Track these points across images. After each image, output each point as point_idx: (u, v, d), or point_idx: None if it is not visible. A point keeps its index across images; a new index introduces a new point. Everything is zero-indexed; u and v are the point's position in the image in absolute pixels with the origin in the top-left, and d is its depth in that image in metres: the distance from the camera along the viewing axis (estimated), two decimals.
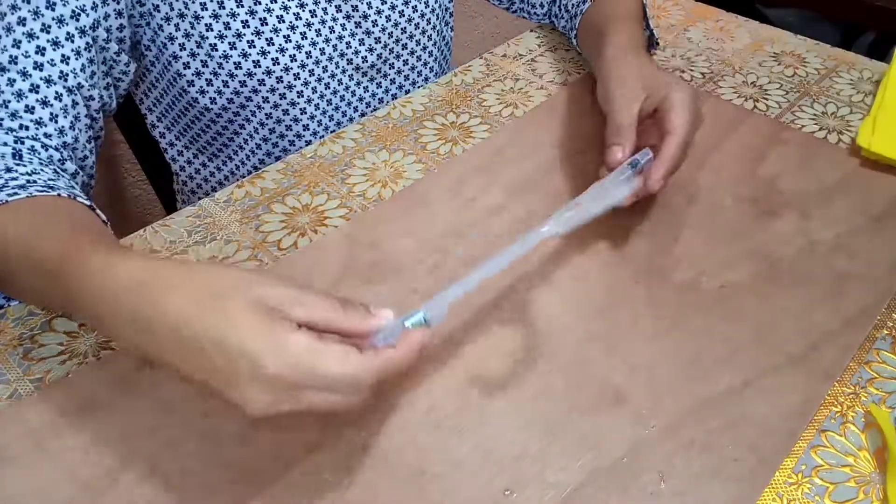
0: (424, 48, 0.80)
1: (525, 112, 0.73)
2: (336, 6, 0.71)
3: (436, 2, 0.78)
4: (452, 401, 0.48)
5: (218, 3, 0.65)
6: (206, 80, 0.70)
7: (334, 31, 0.72)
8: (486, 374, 0.49)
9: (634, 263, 0.57)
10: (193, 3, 0.65)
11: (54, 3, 0.57)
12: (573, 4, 0.79)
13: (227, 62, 0.68)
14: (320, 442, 0.45)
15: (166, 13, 0.65)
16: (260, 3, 0.66)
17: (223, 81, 0.69)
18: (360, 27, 0.73)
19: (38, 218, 0.49)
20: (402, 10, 0.75)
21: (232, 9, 0.66)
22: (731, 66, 0.81)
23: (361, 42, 0.74)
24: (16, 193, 0.49)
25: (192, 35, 0.66)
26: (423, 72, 0.82)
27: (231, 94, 0.70)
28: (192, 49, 0.67)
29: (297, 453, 0.44)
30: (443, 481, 0.43)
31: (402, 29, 0.76)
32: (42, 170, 0.53)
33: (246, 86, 0.69)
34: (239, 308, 0.37)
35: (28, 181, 0.51)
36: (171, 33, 0.66)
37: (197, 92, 0.71)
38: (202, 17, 0.65)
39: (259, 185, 0.64)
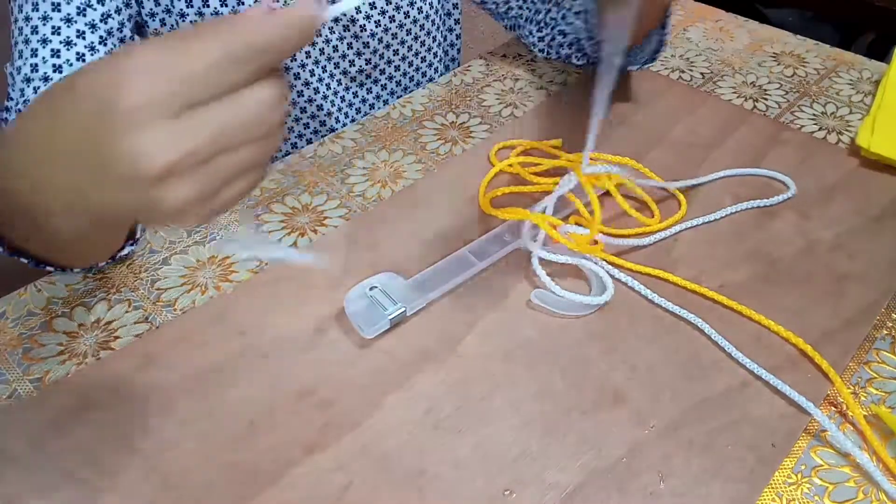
0: (417, 54, 0.79)
1: (525, 112, 0.73)
2: None
3: (431, 7, 0.77)
4: (452, 401, 0.48)
5: (202, 2, 0.65)
6: None
7: (321, 35, 0.71)
8: (485, 373, 0.49)
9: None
10: (179, 0, 0.65)
11: (59, 4, 0.58)
12: None
13: None
14: (320, 442, 0.45)
15: (150, 9, 0.65)
16: (243, 4, 0.66)
17: None
18: (349, 31, 0.73)
19: None
20: (393, 16, 0.74)
21: (216, 8, 0.65)
22: (731, 66, 0.81)
23: (350, 46, 0.73)
24: None
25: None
26: (415, 77, 0.81)
27: None
28: None
29: (296, 453, 0.44)
30: (443, 481, 0.43)
31: (392, 34, 0.75)
32: None
33: None
34: None
35: None
36: (155, 29, 0.66)
37: None
38: (187, 15, 0.65)
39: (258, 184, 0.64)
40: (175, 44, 0.30)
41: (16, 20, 0.58)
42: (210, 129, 0.30)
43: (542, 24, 0.79)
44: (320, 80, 0.73)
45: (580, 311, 0.53)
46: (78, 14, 0.58)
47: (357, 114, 0.78)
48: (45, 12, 0.58)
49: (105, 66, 0.30)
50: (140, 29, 0.67)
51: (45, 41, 0.57)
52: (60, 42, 0.58)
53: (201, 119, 0.29)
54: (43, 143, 0.33)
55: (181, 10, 0.65)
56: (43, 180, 0.34)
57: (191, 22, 0.66)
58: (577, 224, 0.58)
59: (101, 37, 0.60)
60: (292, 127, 0.74)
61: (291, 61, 0.70)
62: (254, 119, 0.31)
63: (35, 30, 0.57)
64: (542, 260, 0.55)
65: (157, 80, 0.29)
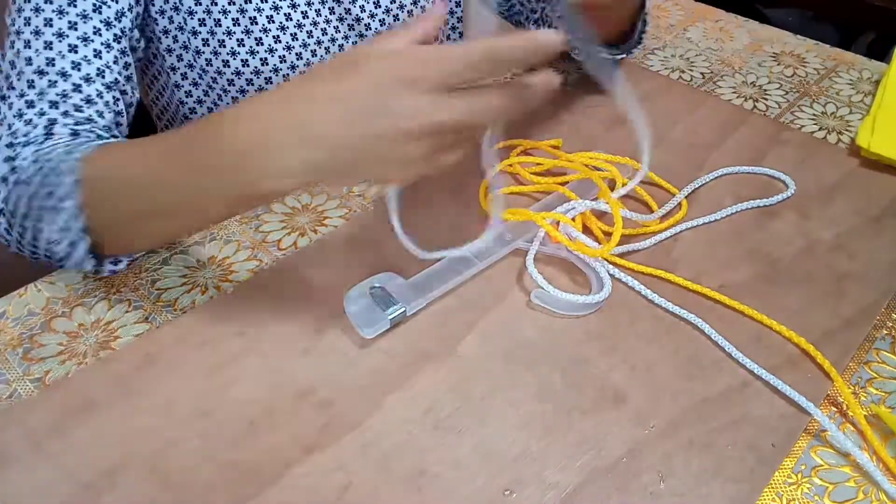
0: None
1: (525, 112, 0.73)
2: (329, 8, 0.70)
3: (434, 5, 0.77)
4: (452, 401, 0.48)
5: (211, 0, 0.65)
6: (193, 80, 0.69)
7: (327, 34, 0.71)
8: (485, 373, 0.49)
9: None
10: None
11: (75, 0, 0.57)
12: None
13: (216, 59, 0.68)
14: (320, 442, 0.45)
15: (161, 6, 0.65)
16: (251, 2, 0.66)
17: (212, 78, 0.69)
18: (353, 30, 0.73)
19: (128, 143, 0.54)
20: (397, 14, 0.74)
21: (224, 6, 0.65)
22: (731, 66, 0.81)
23: (354, 45, 0.74)
24: (100, 139, 0.54)
25: (185, 29, 0.66)
26: None
27: (220, 91, 0.70)
28: (183, 44, 0.67)
29: (296, 453, 0.44)
30: (443, 481, 0.43)
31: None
32: None
33: (234, 85, 0.69)
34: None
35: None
36: (165, 26, 0.66)
37: (184, 94, 0.71)
38: (195, 13, 0.65)
39: None
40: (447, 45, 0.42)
41: (20, 10, 0.57)
42: (455, 112, 0.41)
43: (539, 21, 0.79)
44: None
45: (580, 311, 0.53)
46: (94, 11, 0.58)
47: None
48: (61, 6, 0.57)
49: (390, 48, 0.42)
50: (142, 30, 0.67)
51: (61, 35, 0.57)
52: (78, 38, 0.57)
53: (451, 103, 0.41)
54: (315, 100, 0.42)
55: (189, 7, 0.65)
56: (293, 153, 0.42)
57: (199, 20, 0.66)
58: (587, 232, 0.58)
59: (115, 35, 0.59)
60: None
61: (297, 59, 0.70)
62: (478, 118, 0.42)
63: (49, 22, 0.57)
64: (539, 256, 0.55)
65: (431, 65, 0.41)
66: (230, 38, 0.67)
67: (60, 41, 0.57)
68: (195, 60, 0.68)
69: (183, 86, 0.70)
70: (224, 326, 0.52)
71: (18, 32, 0.57)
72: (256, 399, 0.47)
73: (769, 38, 0.86)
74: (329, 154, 0.42)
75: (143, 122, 0.85)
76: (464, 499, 0.43)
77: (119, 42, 0.60)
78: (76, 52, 0.57)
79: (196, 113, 0.72)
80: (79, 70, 0.57)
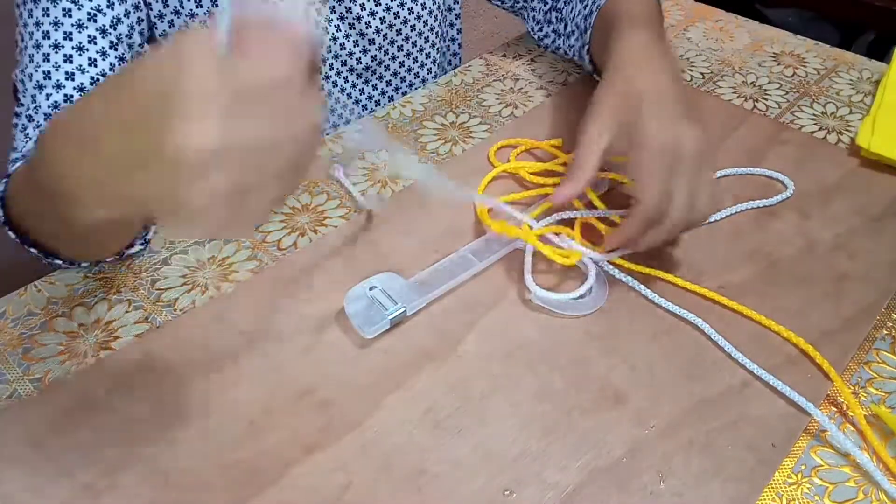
0: (422, 50, 0.79)
1: (525, 112, 0.73)
2: (330, 7, 0.71)
3: (433, 3, 0.77)
4: (452, 401, 0.48)
5: (212, 2, 0.65)
6: None
7: (328, 33, 0.71)
8: (485, 373, 0.49)
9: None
10: (189, 0, 0.65)
11: (69, 10, 0.57)
12: (582, 17, 0.71)
13: None
14: (320, 442, 0.45)
15: (159, 11, 0.65)
16: None
17: None
18: (354, 28, 0.73)
19: None
20: (397, 12, 0.74)
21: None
22: (731, 66, 0.81)
23: (356, 44, 0.74)
24: None
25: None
26: (420, 73, 0.81)
27: None
28: None
29: (296, 453, 0.44)
30: (442, 481, 0.43)
31: (396, 30, 0.75)
32: None
33: None
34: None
35: None
36: (164, 31, 0.66)
37: None
38: (197, 15, 0.65)
39: None
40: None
41: (25, 25, 0.58)
42: (253, 129, 0.30)
43: (541, 23, 0.79)
44: (327, 77, 0.73)
45: (580, 311, 0.53)
46: (89, 19, 0.58)
47: (363, 110, 0.79)
48: (56, 17, 0.57)
49: (171, 52, 0.30)
50: (151, 31, 0.67)
51: (56, 46, 0.57)
52: (73, 48, 0.57)
53: (246, 117, 0.30)
54: (91, 127, 0.34)
55: (191, 10, 0.65)
56: (78, 168, 0.35)
57: (201, 23, 0.66)
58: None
59: (111, 42, 0.59)
60: None
61: None
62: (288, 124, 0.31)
63: (46, 35, 0.57)
64: (540, 255, 0.55)
65: (214, 73, 0.29)
66: None
67: (56, 52, 0.57)
68: None
69: None
70: (224, 326, 0.52)
71: (24, 49, 0.58)
72: (256, 399, 0.47)
73: (769, 38, 0.86)
74: (142, 192, 0.32)
75: None
76: (464, 499, 0.43)
77: (116, 49, 0.60)
78: (71, 62, 0.57)
79: None
80: (73, 80, 0.57)
